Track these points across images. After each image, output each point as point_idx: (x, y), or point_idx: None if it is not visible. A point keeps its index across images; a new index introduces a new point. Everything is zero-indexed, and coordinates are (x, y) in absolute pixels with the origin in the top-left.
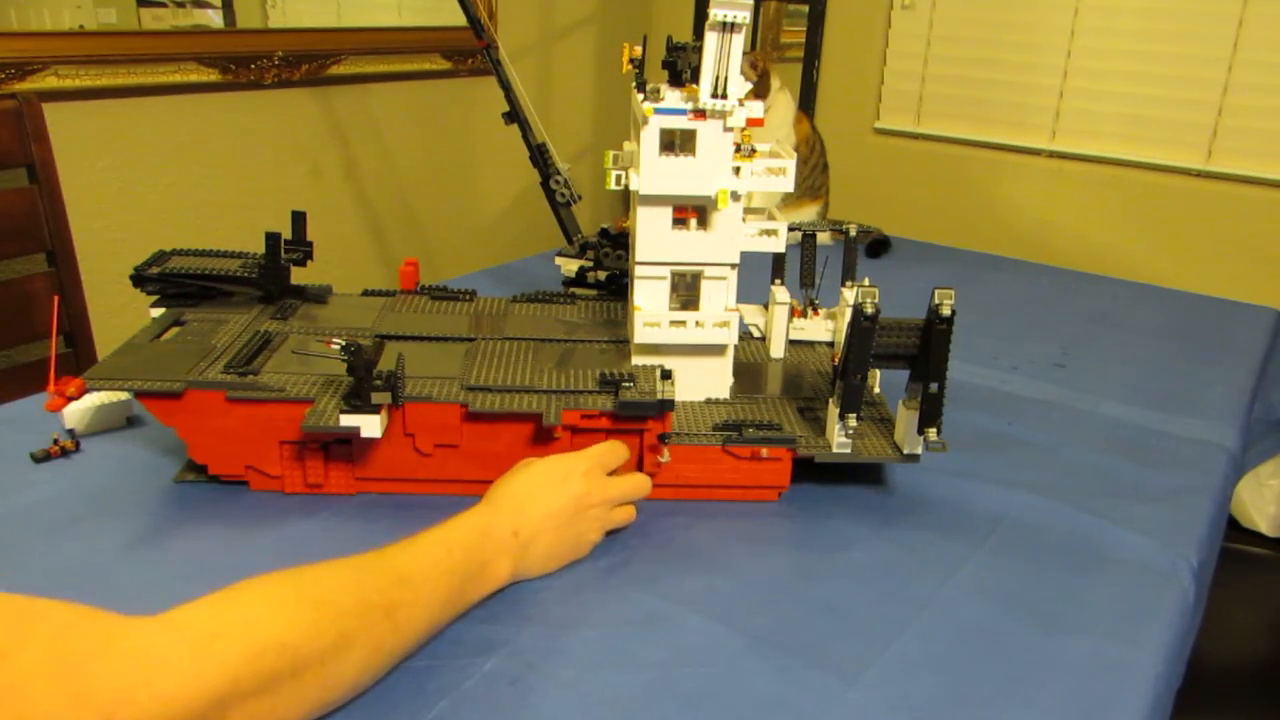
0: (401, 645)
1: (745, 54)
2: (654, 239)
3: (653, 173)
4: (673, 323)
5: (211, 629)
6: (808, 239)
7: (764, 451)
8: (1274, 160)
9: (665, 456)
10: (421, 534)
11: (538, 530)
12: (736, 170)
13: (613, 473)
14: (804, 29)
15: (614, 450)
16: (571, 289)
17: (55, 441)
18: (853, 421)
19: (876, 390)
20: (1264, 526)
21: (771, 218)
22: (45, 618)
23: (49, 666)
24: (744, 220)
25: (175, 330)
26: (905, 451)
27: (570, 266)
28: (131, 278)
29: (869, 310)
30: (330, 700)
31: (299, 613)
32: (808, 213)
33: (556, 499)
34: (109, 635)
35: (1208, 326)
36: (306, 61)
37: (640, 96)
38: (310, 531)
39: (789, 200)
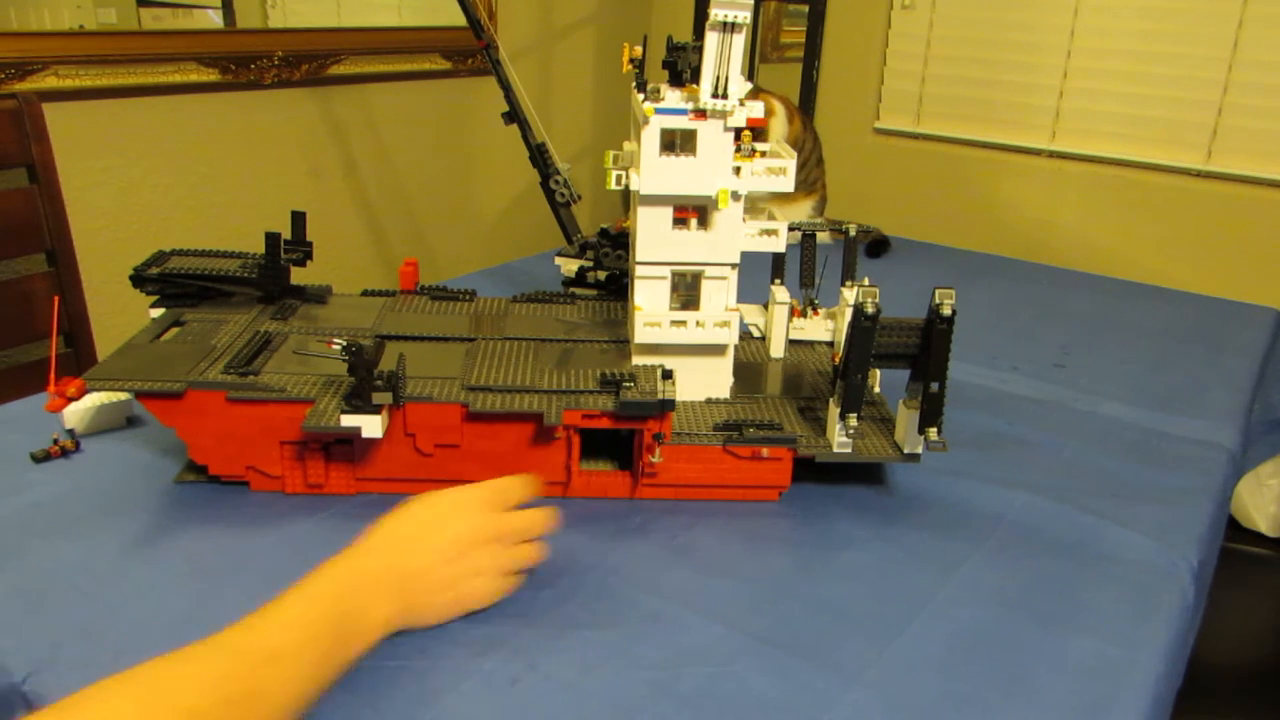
0: None
1: (757, 90)
2: (654, 239)
3: (653, 173)
4: (673, 323)
5: None
6: (808, 239)
7: (764, 451)
8: (1274, 160)
9: (656, 456)
10: (287, 592)
11: (422, 567)
12: (737, 170)
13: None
14: (804, 29)
15: (516, 484)
16: (571, 289)
17: (55, 441)
18: (853, 421)
19: (876, 390)
20: (1264, 526)
21: (771, 218)
22: None
23: None
24: (744, 220)
25: (175, 330)
26: (905, 451)
27: (570, 266)
28: (131, 278)
29: (869, 310)
30: None
31: None
32: (802, 207)
33: (443, 533)
34: None
35: (1208, 326)
36: (306, 61)
37: (640, 96)
38: (310, 531)
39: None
